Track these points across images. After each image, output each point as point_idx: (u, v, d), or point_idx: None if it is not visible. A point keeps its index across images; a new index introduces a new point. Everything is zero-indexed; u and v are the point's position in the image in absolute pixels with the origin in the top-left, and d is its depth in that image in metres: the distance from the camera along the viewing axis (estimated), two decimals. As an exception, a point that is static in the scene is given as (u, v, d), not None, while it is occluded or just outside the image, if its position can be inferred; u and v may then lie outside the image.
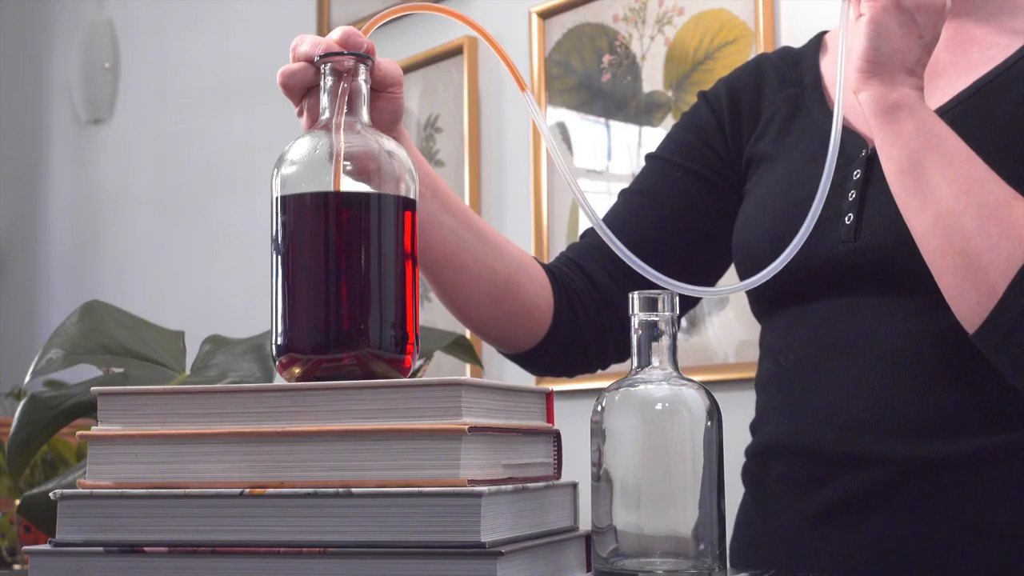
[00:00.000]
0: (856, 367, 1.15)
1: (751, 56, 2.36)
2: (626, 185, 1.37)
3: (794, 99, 1.29)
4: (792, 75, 1.31)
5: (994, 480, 1.10)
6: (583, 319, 1.26)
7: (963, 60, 1.20)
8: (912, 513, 1.11)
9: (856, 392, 1.14)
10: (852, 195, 1.16)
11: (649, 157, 1.36)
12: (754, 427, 1.28)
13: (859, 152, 1.18)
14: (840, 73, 1.08)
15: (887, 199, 1.10)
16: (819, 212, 1.05)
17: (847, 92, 1.11)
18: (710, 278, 1.35)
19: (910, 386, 1.12)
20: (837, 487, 1.14)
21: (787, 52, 1.37)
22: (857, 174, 1.17)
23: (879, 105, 1.07)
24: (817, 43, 1.34)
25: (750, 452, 1.27)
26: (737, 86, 1.34)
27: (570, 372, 1.30)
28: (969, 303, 1.02)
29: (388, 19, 1.03)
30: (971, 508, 1.10)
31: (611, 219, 1.32)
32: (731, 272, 1.34)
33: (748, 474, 1.27)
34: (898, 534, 1.11)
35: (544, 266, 1.26)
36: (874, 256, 1.14)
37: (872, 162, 1.16)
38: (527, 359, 1.27)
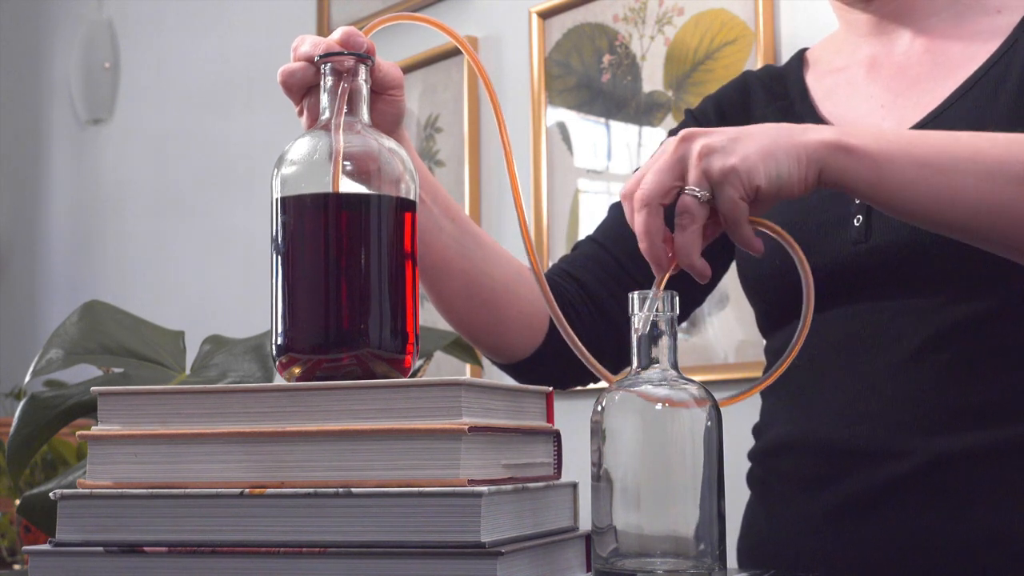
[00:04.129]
0: (870, 363, 1.14)
1: (751, 56, 2.37)
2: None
3: (784, 112, 1.28)
4: (778, 89, 1.31)
5: (1011, 475, 1.09)
6: (579, 329, 1.25)
7: (942, 66, 1.19)
8: (928, 509, 1.10)
9: (870, 387, 1.14)
10: None
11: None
12: (759, 430, 1.27)
13: None
14: None
15: None
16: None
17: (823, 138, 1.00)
18: (706, 286, 1.35)
19: (925, 381, 1.11)
20: (851, 483, 1.13)
21: (771, 69, 1.37)
22: None
23: (837, 153, 0.96)
24: (799, 60, 1.34)
25: (756, 454, 1.26)
26: (724, 102, 1.34)
27: (564, 384, 1.28)
28: None
29: (383, 24, 1.03)
30: (988, 504, 1.09)
31: (603, 232, 1.32)
32: (732, 276, 1.34)
33: (754, 476, 1.27)
34: (913, 530, 1.10)
35: None
36: (886, 255, 1.13)
37: None
38: (521, 369, 1.26)
